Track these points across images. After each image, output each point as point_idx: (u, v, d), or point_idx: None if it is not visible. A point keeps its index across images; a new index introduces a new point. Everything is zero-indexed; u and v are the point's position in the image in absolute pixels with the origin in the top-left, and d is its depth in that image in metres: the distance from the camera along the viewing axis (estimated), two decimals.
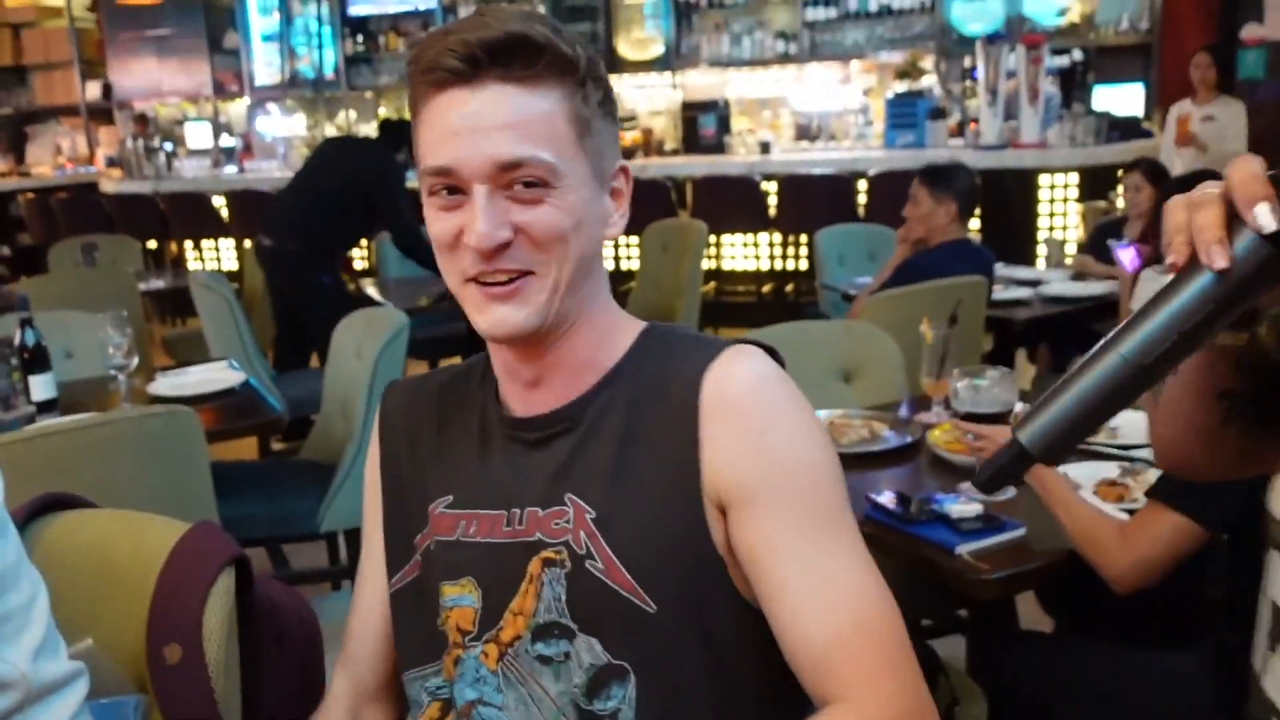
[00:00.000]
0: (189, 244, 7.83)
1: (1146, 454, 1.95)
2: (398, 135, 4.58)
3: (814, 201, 5.96)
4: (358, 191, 4.41)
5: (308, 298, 4.47)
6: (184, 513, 1.98)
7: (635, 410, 0.98)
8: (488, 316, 0.94)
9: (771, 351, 1.00)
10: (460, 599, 1.00)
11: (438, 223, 0.93)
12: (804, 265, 6.33)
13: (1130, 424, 2.12)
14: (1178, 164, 5.06)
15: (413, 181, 4.78)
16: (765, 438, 0.94)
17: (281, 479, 3.06)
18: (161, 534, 1.14)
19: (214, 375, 2.94)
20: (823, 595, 0.90)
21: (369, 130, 8.55)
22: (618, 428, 0.98)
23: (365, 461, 1.14)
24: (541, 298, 0.93)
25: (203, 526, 1.15)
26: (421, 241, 4.46)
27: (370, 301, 4.32)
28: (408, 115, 1.09)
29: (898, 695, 0.88)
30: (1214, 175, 2.82)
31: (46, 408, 2.60)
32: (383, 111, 8.85)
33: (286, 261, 4.54)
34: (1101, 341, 0.64)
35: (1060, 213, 5.70)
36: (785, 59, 7.61)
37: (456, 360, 1.17)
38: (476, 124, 0.89)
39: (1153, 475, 1.72)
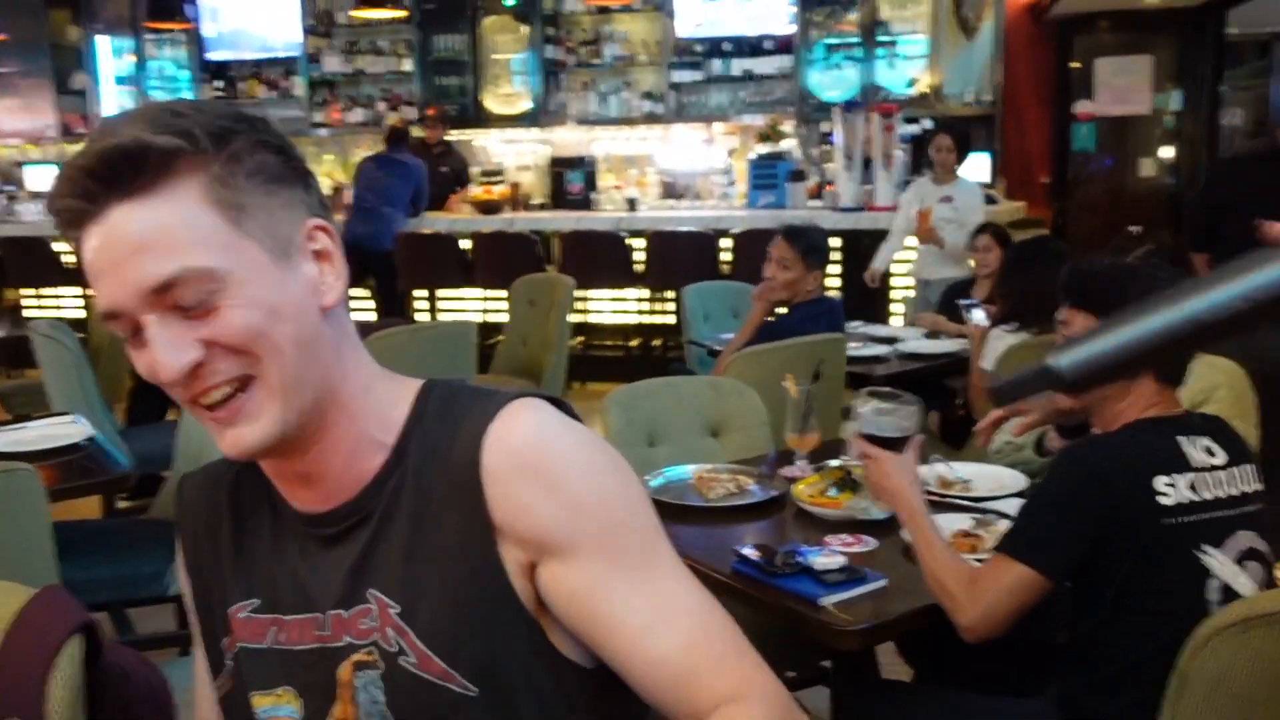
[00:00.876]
0: (30, 291, 7.44)
1: (999, 505, 2.04)
2: None
3: (680, 258, 6.07)
4: None
5: None
6: (23, 575, 1.86)
7: (422, 488, 0.92)
8: (224, 442, 0.87)
9: (556, 401, 0.95)
10: (277, 709, 0.95)
11: (139, 363, 0.85)
12: (670, 320, 6.42)
13: (983, 476, 2.22)
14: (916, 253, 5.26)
15: None
16: (559, 486, 0.89)
17: (128, 539, 2.91)
18: (2, 600, 1.08)
19: (56, 430, 2.79)
20: (661, 618, 0.88)
21: None
22: (409, 509, 0.92)
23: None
24: (272, 404, 0.86)
25: (47, 591, 1.09)
26: None
27: None
28: None
29: (774, 684, 0.87)
30: (1055, 243, 2.99)
31: None
32: None
33: None
34: (1165, 294, 0.63)
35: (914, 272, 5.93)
36: (652, 119, 7.78)
37: None
38: (111, 257, 0.82)
39: (1003, 527, 1.80)
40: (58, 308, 7.42)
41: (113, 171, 0.81)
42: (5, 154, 8.97)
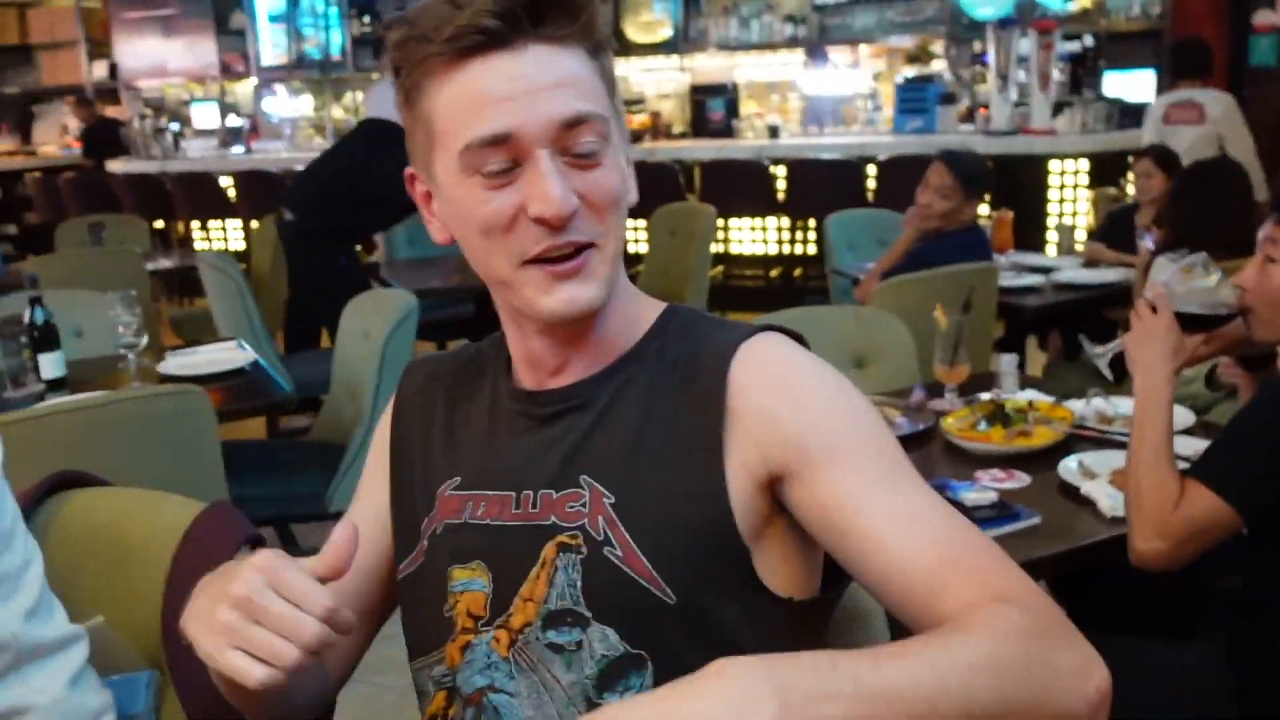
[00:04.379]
0: (196, 224, 7.82)
1: None
2: None
3: (822, 186, 5.94)
4: (396, 184, 4.31)
5: (322, 278, 4.40)
6: (194, 492, 1.97)
7: (655, 391, 0.93)
8: (556, 296, 0.88)
9: (797, 337, 0.96)
10: (470, 583, 0.95)
11: (484, 204, 0.86)
12: (811, 250, 6.31)
13: None
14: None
15: None
16: (811, 400, 0.90)
17: (290, 460, 3.06)
18: (176, 513, 1.14)
19: (223, 355, 2.93)
20: (917, 525, 0.84)
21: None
22: (636, 409, 0.93)
23: (382, 385, 1.11)
24: (604, 269, 0.89)
25: (219, 506, 1.14)
26: (357, 237, 4.46)
27: (381, 283, 4.30)
28: None
29: (1041, 598, 0.80)
30: (1230, 165, 2.79)
31: (55, 386, 2.60)
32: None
33: (307, 240, 4.45)
34: None
35: (1070, 199, 5.67)
36: (794, 43, 7.58)
37: (464, 343, 1.12)
38: (530, 86, 0.84)
39: None
40: (223, 240, 7.80)
41: (548, 12, 0.85)
42: (172, 93, 9.39)
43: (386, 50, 0.94)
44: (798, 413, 0.89)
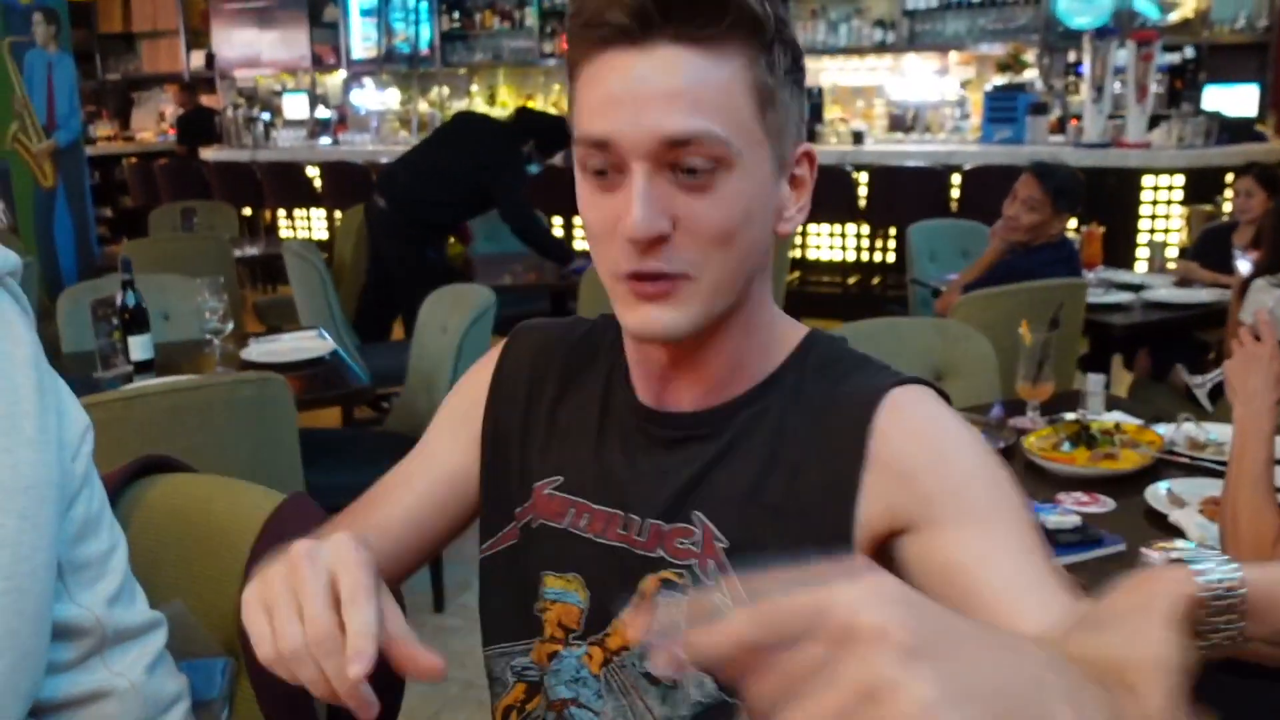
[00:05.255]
0: (282, 213, 8.00)
1: None
2: (530, 126, 4.50)
3: (905, 194, 5.85)
4: (478, 177, 4.38)
5: (408, 269, 4.48)
6: (272, 477, 2.01)
7: (785, 431, 0.87)
8: (635, 315, 0.82)
9: (942, 394, 0.90)
10: (565, 594, 0.92)
11: (592, 209, 0.82)
12: (891, 258, 6.23)
13: None
14: None
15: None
16: (953, 458, 0.83)
17: (364, 449, 3.10)
18: (257, 501, 1.15)
19: (304, 344, 2.98)
20: (1050, 599, 0.77)
21: (474, 106, 8.62)
22: (763, 448, 0.87)
23: (457, 378, 1.01)
24: (698, 302, 0.81)
25: (297, 497, 1.16)
26: (536, 225, 4.48)
27: (463, 278, 4.34)
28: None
29: None
30: None
31: (143, 368, 2.67)
32: (475, 89, 8.92)
33: (397, 228, 4.50)
34: None
35: (1164, 215, 5.51)
36: (882, 48, 7.48)
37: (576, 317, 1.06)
38: (641, 91, 0.77)
39: None
40: (308, 229, 7.96)
41: (687, 9, 0.76)
42: (264, 84, 9.61)
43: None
44: (939, 469, 0.83)
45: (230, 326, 2.83)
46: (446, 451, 1.01)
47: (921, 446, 0.84)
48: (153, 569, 1.14)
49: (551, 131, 4.38)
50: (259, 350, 2.89)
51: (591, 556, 0.91)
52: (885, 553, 0.84)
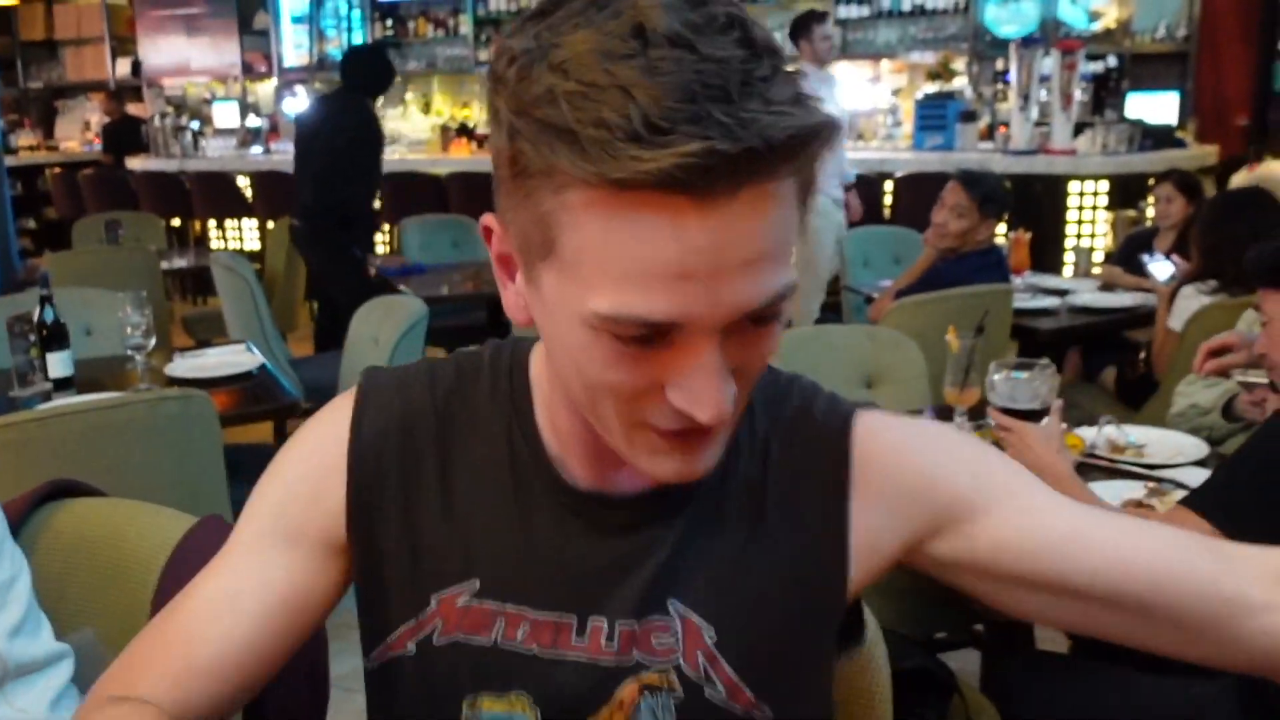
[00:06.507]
0: (212, 223, 7.86)
1: (1176, 474, 1.91)
2: (369, 74, 4.52)
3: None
4: (345, 148, 4.40)
5: (340, 273, 4.48)
6: (196, 496, 1.96)
7: (755, 485, 0.79)
8: (666, 465, 0.69)
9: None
10: (511, 717, 0.77)
11: (608, 369, 0.64)
12: None
13: (1159, 442, 2.08)
14: None
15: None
16: (954, 453, 0.79)
17: None
18: (169, 526, 1.13)
19: (231, 358, 2.92)
20: (1122, 525, 0.78)
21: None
22: (736, 512, 0.78)
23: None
24: (728, 430, 0.71)
25: (210, 520, 1.13)
26: (361, 216, 4.50)
27: (392, 287, 4.30)
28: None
29: None
30: (1263, 193, 2.73)
31: (63, 385, 2.60)
32: (409, 97, 8.84)
33: (315, 238, 4.55)
34: None
35: (1089, 220, 5.63)
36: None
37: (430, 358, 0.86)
38: (719, 262, 0.59)
39: (1178, 496, 1.68)
40: (239, 240, 7.82)
41: (789, 153, 0.58)
42: (194, 92, 9.44)
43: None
44: (947, 469, 0.78)
45: (153, 342, 2.76)
46: (281, 566, 0.78)
47: (915, 458, 0.79)
48: (60, 596, 1.10)
49: (377, 74, 4.52)
50: (184, 365, 2.83)
51: (540, 674, 0.77)
52: (919, 559, 0.80)
